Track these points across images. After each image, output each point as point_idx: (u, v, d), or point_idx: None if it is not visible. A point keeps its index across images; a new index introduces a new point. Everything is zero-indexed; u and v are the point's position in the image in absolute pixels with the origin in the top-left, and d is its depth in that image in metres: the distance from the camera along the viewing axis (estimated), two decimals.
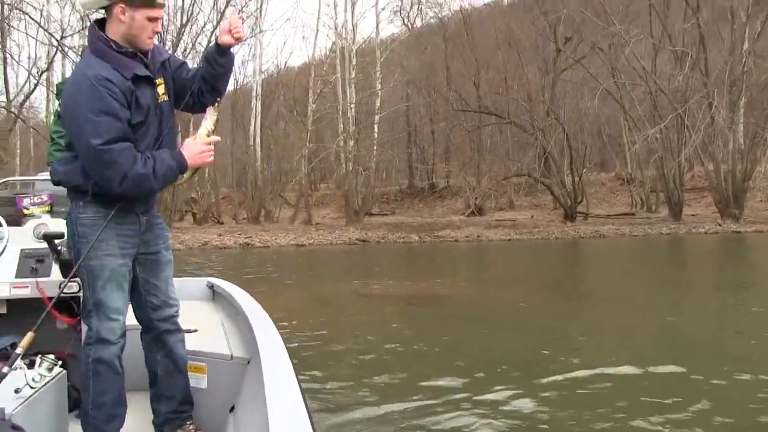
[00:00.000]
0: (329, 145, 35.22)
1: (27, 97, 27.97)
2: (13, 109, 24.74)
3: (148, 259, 2.88)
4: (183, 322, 3.13)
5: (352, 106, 32.82)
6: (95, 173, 2.61)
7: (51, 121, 4.86)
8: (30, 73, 27.59)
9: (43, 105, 34.05)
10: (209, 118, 2.87)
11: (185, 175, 2.83)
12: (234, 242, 24.77)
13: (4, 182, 4.66)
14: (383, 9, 35.86)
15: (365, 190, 34.09)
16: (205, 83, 2.85)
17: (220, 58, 2.81)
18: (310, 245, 24.90)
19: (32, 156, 33.81)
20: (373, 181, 34.87)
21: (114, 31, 2.63)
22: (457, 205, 37.88)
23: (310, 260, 20.10)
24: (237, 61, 29.65)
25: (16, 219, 3.92)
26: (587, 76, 33.30)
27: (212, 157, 2.86)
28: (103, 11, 2.66)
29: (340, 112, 33.15)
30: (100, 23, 2.67)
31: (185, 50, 29.19)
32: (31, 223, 3.78)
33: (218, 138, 2.89)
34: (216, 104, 2.90)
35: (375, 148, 34.16)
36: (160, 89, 2.79)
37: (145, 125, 2.68)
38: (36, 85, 27.91)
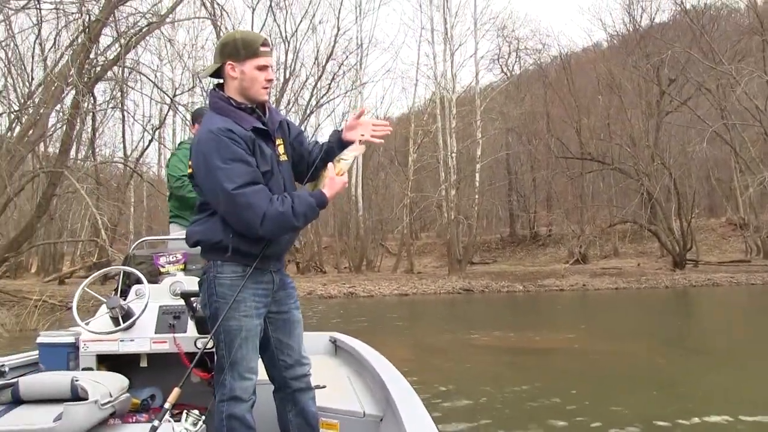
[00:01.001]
0: (430, 194, 35.38)
1: (142, 152, 29.66)
2: (130, 164, 26.18)
3: (280, 318, 2.92)
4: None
5: (453, 155, 32.95)
6: (234, 219, 2.66)
7: (168, 180, 5.14)
8: (145, 129, 29.35)
9: (155, 159, 35.93)
10: (352, 155, 2.90)
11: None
12: (338, 291, 25.12)
13: (141, 242, 4.92)
14: (482, 57, 35.97)
15: (467, 239, 33.96)
16: (324, 163, 2.93)
17: (339, 150, 2.94)
18: (414, 294, 24.92)
19: (145, 207, 35.57)
20: (475, 229, 34.69)
21: (230, 89, 2.77)
22: (559, 254, 37.10)
23: (415, 310, 20.10)
24: (338, 113, 30.63)
25: (154, 277, 4.11)
26: (693, 118, 32.23)
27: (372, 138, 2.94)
28: (216, 78, 2.84)
29: (441, 162, 33.30)
30: (220, 86, 2.82)
31: (288, 104, 30.28)
32: (167, 281, 3.95)
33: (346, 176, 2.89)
34: (360, 142, 2.92)
35: (476, 196, 34.06)
36: (280, 149, 2.87)
37: (273, 174, 2.74)
38: (150, 141, 29.63)
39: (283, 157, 2.88)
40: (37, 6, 16.24)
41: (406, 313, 19.29)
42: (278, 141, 2.88)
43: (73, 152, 22.68)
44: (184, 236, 4.44)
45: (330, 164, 2.82)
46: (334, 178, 2.79)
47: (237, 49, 2.73)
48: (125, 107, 27.03)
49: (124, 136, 30.63)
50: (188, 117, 27.68)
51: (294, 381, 2.97)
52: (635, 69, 34.01)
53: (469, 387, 7.98)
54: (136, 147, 30.00)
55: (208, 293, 2.81)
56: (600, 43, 40.16)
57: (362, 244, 35.26)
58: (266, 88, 2.79)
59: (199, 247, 2.91)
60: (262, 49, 2.75)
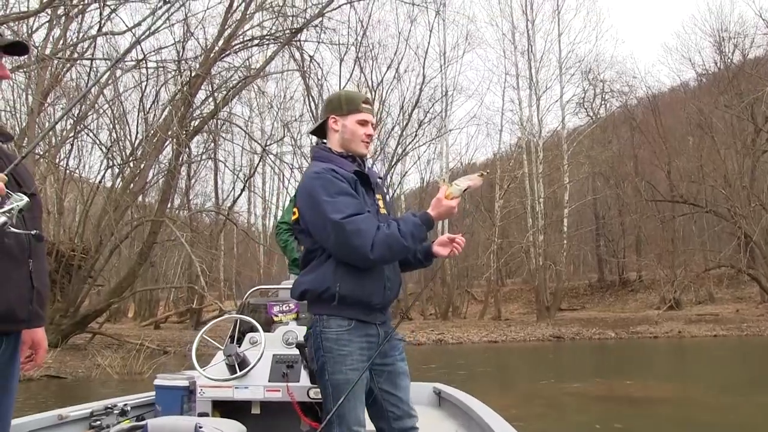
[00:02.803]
0: (516, 240, 34.97)
1: (234, 201, 30.57)
2: (223, 212, 27.01)
3: (386, 369, 2.90)
4: None
5: (541, 200, 32.54)
6: (345, 250, 2.69)
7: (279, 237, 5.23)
8: (237, 177, 30.28)
9: (245, 207, 36.94)
10: (467, 182, 2.81)
11: None
12: (426, 338, 24.93)
13: (255, 290, 5.05)
14: (568, 102, 35.63)
15: (555, 285, 33.24)
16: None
17: (426, 261, 3.01)
18: (503, 342, 24.50)
19: (235, 254, 36.47)
20: (564, 275, 33.94)
21: (332, 141, 2.91)
22: (650, 299, 35.69)
23: (506, 357, 19.74)
24: (423, 160, 30.73)
25: (267, 325, 4.20)
26: None
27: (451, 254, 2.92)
28: (319, 137, 3.00)
29: (529, 207, 32.93)
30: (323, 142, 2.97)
31: (375, 153, 30.66)
32: (280, 330, 4.06)
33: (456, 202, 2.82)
34: (483, 175, 2.87)
35: (564, 242, 33.41)
36: (380, 203, 2.92)
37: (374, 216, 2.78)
38: (242, 190, 30.51)
39: (383, 211, 2.94)
40: (145, 66, 17.18)
41: (498, 360, 18.96)
42: (378, 196, 2.95)
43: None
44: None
45: (442, 185, 2.82)
46: (441, 199, 2.77)
47: (340, 104, 2.90)
48: (217, 157, 28.18)
49: (216, 186, 31.76)
50: (278, 166, 28.63)
51: None
52: (728, 108, 32.90)
53: None
54: (228, 196, 30.99)
55: (315, 347, 2.84)
56: (687, 82, 39.07)
57: (449, 291, 35.01)
58: (366, 142, 2.91)
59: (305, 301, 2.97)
60: (363, 105, 2.90)
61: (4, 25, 13.08)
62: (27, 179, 2.18)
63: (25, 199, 1.93)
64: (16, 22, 13.59)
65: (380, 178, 3.11)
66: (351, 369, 2.76)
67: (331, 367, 2.77)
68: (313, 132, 3.05)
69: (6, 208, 1.89)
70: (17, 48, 2.18)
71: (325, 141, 2.98)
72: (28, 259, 2.06)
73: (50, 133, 19.19)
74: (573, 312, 34.47)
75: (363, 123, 2.89)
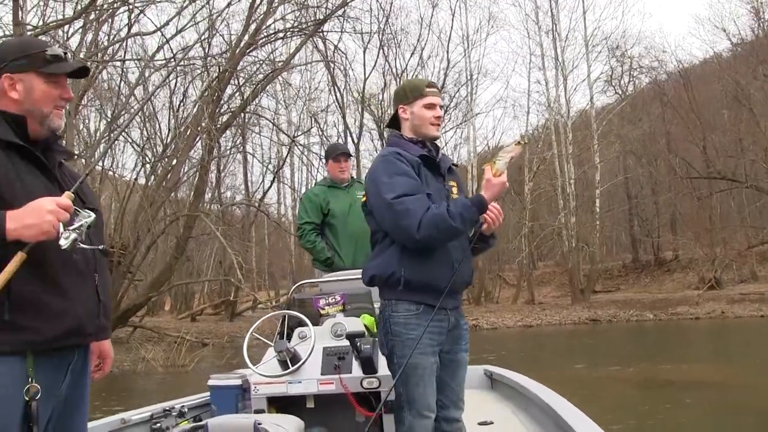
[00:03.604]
0: (547, 222, 34.71)
1: (264, 193, 30.77)
2: (254, 205, 27.23)
3: (448, 357, 2.94)
4: (467, 412, 3.12)
5: (572, 181, 32.21)
6: (394, 229, 2.79)
7: None
8: (267, 169, 30.49)
9: (274, 199, 37.11)
10: (508, 155, 2.83)
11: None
12: None
13: (299, 285, 5.08)
14: (596, 80, 35.11)
15: (589, 267, 32.94)
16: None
17: (483, 243, 3.04)
18: (538, 326, 24.41)
19: (266, 246, 36.71)
20: (597, 257, 33.61)
21: (404, 129, 3.02)
22: (688, 279, 35.09)
23: (543, 341, 19.68)
24: (450, 146, 30.54)
25: (315, 319, 4.19)
26: None
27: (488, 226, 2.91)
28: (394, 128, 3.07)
29: (559, 188, 32.62)
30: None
31: None
32: (328, 323, 4.07)
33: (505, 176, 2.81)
34: (520, 143, 2.89)
35: (597, 222, 33.07)
36: (454, 189, 2.98)
37: (435, 202, 2.81)
38: (272, 182, 30.72)
39: (455, 196, 2.99)
40: (175, 62, 17.33)
41: (535, 344, 18.90)
42: (451, 182, 3.02)
43: None
44: (339, 278, 4.60)
45: (486, 166, 2.84)
46: (491, 179, 2.79)
47: (405, 93, 3.00)
48: (247, 150, 28.38)
49: (246, 179, 31.97)
50: (305, 157, 28.77)
51: (445, 422, 2.96)
52: (766, 77, 31.99)
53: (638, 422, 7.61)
54: (257, 189, 31.20)
55: (384, 332, 2.92)
56: (721, 53, 38.05)
57: (481, 276, 34.92)
58: (435, 124, 2.99)
59: (368, 287, 3.11)
60: (427, 89, 2.97)
61: (48, 34, 13.30)
62: (89, 195, 2.24)
63: (93, 215, 2.00)
64: (55, 32, 13.83)
65: (455, 165, 3.16)
66: (419, 353, 2.79)
67: (400, 351, 2.82)
68: (389, 125, 3.17)
69: (76, 225, 1.95)
70: (82, 72, 2.22)
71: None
72: (93, 273, 2.11)
73: (86, 133, 19.51)
74: (608, 294, 34.11)
75: (430, 106, 2.96)
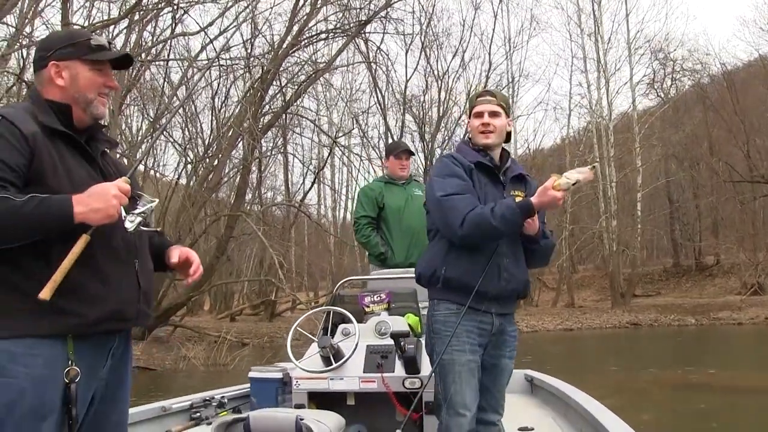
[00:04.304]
0: (588, 225, 34.28)
1: (305, 194, 30.93)
2: (295, 205, 27.40)
3: (490, 362, 2.95)
4: (507, 417, 3.12)
5: (613, 185, 31.77)
6: (441, 225, 2.89)
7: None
8: (308, 169, 30.66)
9: (314, 200, 37.27)
10: (576, 175, 2.80)
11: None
12: None
13: (345, 281, 5.08)
14: (638, 83, 34.57)
15: (630, 271, 32.42)
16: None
17: (532, 243, 3.01)
18: (579, 329, 24.14)
19: (306, 246, 36.87)
20: (638, 260, 33.06)
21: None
22: (730, 284, 34.30)
23: (584, 345, 19.47)
24: None
25: (359, 316, 4.21)
26: None
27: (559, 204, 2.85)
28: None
29: (600, 192, 32.22)
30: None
31: (443, 143, 30.52)
32: (372, 321, 4.09)
33: (563, 195, 2.78)
34: (593, 168, 2.86)
35: (639, 226, 32.57)
36: (518, 199, 2.92)
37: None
38: (313, 183, 30.87)
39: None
40: (218, 62, 17.57)
41: (576, 348, 18.69)
42: (516, 192, 3.04)
43: None
44: (384, 276, 4.60)
45: (553, 175, 2.83)
46: (548, 188, 2.78)
47: (468, 106, 3.22)
48: (288, 151, 28.59)
49: (286, 180, 32.16)
50: (346, 158, 28.87)
51: (482, 425, 2.97)
52: None
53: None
54: (298, 189, 31.42)
55: (427, 330, 2.99)
56: (766, 55, 37.07)
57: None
58: (482, 132, 3.05)
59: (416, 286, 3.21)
60: (478, 99, 3.11)
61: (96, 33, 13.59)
62: (135, 183, 2.29)
63: (156, 200, 2.08)
64: (100, 31, 14.12)
65: (524, 174, 3.20)
66: (457, 350, 2.83)
67: (439, 347, 2.86)
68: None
69: (141, 209, 2.02)
70: (125, 61, 2.29)
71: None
72: (134, 260, 2.15)
73: (129, 132, 19.84)
74: (648, 298, 33.54)
75: (478, 115, 3.07)
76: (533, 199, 2.78)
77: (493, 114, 3.05)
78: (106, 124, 2.39)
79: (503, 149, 3.17)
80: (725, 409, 8.93)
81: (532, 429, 3.64)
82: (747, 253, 32.58)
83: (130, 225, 1.98)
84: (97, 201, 1.91)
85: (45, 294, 1.85)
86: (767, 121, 33.38)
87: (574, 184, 2.78)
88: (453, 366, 2.82)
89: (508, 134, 3.18)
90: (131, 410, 3.58)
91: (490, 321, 2.90)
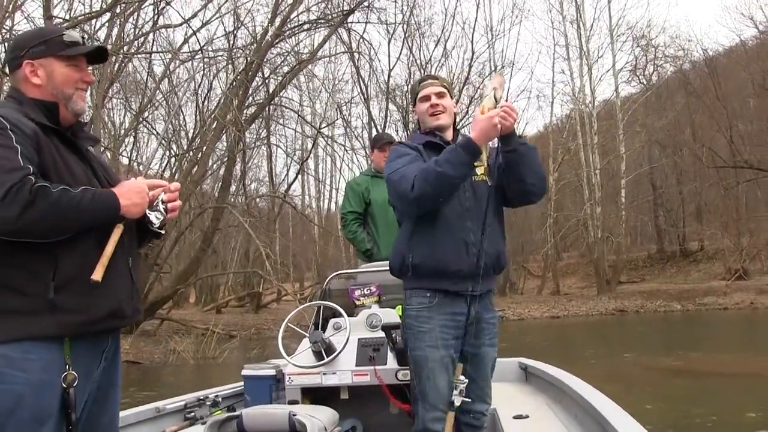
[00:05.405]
0: (572, 213, 34.44)
1: (290, 185, 30.88)
2: (279, 196, 27.32)
3: (470, 352, 2.89)
4: (502, 405, 3.13)
5: (597, 172, 31.92)
6: (396, 201, 2.86)
7: None
8: (292, 160, 30.54)
9: (298, 191, 37.16)
10: (489, 89, 2.77)
11: (483, 156, 2.74)
12: None
13: (335, 275, 5.06)
14: (621, 70, 34.73)
15: (614, 258, 32.66)
16: (508, 176, 2.90)
17: (504, 146, 2.84)
18: (565, 317, 24.28)
19: (291, 237, 36.78)
20: (623, 247, 33.29)
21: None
22: (714, 270, 34.60)
23: (572, 332, 19.56)
24: None
25: (349, 309, 4.17)
26: None
27: (501, 124, 2.67)
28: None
29: (584, 179, 32.35)
30: None
31: None
32: (363, 314, 4.05)
33: (498, 111, 2.66)
34: (496, 72, 2.86)
35: (623, 213, 32.76)
36: (479, 170, 2.85)
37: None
38: (297, 174, 30.79)
39: (481, 177, 2.88)
40: (201, 54, 17.45)
41: (564, 335, 18.79)
42: (476, 164, 2.82)
43: None
44: (374, 269, 4.58)
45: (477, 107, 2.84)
46: (477, 118, 2.72)
47: (412, 96, 3.15)
48: (271, 142, 28.48)
49: (270, 171, 32.04)
50: (331, 147, 28.75)
51: (470, 415, 2.94)
52: None
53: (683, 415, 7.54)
54: (282, 180, 31.29)
55: (402, 324, 2.98)
56: (747, 41, 37.28)
57: (506, 267, 34.63)
58: (432, 114, 2.99)
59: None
60: (420, 85, 3.07)
61: (78, 27, 13.48)
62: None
63: (164, 194, 2.17)
64: (84, 24, 14.00)
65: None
66: (429, 346, 2.79)
67: (412, 343, 2.83)
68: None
69: (162, 205, 2.16)
70: (100, 55, 2.27)
71: None
72: (128, 258, 2.16)
73: (112, 126, 19.66)
74: (633, 284, 33.80)
75: (424, 99, 3.02)
76: (471, 134, 2.70)
77: (440, 95, 3.01)
78: (85, 121, 2.36)
79: (455, 130, 3.08)
80: (711, 393, 9.01)
81: (528, 417, 3.63)
82: (731, 238, 32.89)
83: (156, 220, 2.14)
84: (137, 196, 2.06)
85: (97, 275, 1.93)
86: (749, 107, 33.61)
87: (495, 98, 2.73)
88: (426, 362, 2.79)
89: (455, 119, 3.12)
90: (125, 412, 3.56)
91: (463, 310, 2.82)
